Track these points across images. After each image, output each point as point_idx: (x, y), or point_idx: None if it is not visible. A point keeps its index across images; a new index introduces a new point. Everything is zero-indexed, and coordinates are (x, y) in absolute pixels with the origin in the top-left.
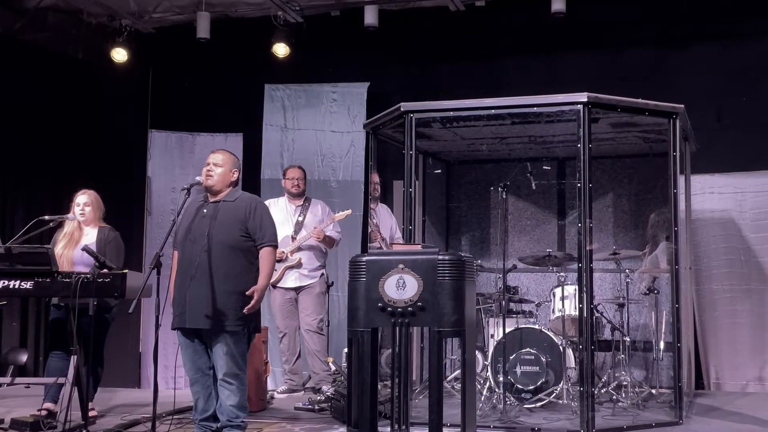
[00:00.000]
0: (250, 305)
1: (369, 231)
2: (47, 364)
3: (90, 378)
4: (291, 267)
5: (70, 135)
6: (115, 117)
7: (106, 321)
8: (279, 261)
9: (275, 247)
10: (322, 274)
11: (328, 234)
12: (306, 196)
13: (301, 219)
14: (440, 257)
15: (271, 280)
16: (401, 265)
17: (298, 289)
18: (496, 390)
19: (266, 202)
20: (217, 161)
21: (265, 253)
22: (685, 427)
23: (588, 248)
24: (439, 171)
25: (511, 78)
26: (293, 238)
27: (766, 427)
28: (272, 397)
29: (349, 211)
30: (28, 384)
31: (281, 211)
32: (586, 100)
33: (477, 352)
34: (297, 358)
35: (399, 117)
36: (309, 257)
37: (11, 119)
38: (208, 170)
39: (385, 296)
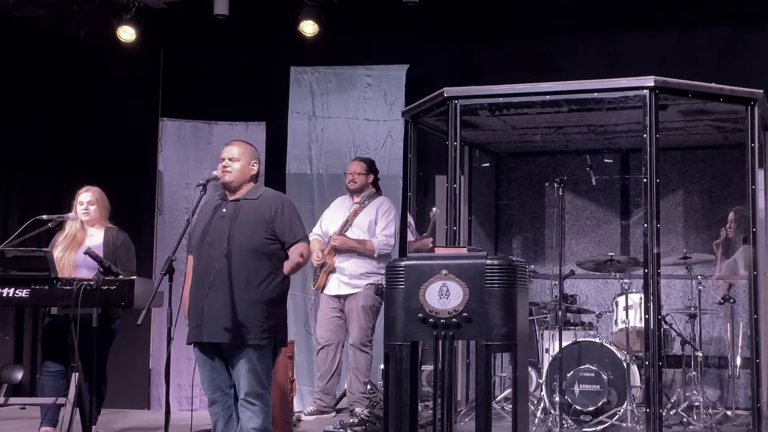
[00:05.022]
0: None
1: (418, 236)
2: (40, 381)
3: (93, 398)
4: (329, 272)
5: (71, 124)
6: (121, 104)
7: (110, 333)
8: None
9: (308, 242)
10: (370, 284)
11: (356, 240)
12: (371, 192)
13: (351, 218)
14: (488, 262)
15: (316, 286)
16: (445, 271)
17: (342, 298)
18: (552, 411)
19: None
20: (233, 155)
21: (298, 248)
22: None
23: (655, 252)
24: (488, 164)
25: (567, 60)
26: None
27: None
28: (299, 420)
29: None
30: (24, 405)
31: (339, 207)
32: (653, 84)
33: (530, 368)
34: (332, 377)
35: (442, 104)
36: (350, 262)
37: (3, 106)
38: (224, 166)
39: (427, 306)
